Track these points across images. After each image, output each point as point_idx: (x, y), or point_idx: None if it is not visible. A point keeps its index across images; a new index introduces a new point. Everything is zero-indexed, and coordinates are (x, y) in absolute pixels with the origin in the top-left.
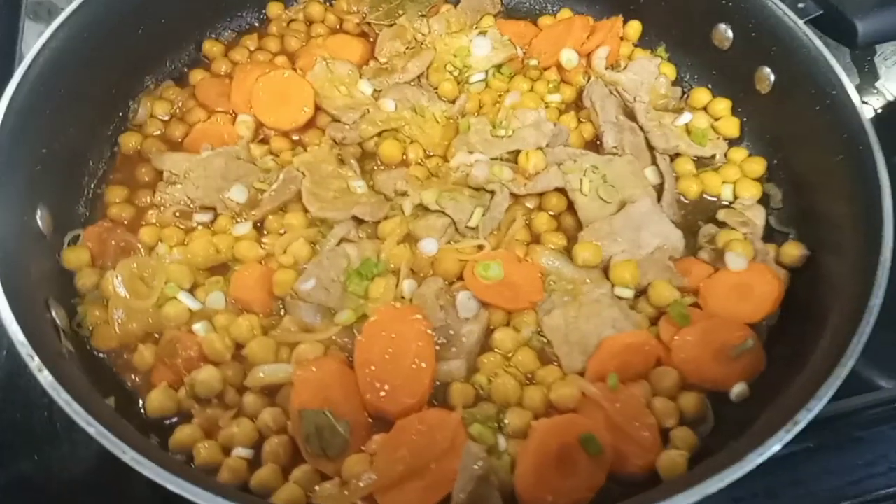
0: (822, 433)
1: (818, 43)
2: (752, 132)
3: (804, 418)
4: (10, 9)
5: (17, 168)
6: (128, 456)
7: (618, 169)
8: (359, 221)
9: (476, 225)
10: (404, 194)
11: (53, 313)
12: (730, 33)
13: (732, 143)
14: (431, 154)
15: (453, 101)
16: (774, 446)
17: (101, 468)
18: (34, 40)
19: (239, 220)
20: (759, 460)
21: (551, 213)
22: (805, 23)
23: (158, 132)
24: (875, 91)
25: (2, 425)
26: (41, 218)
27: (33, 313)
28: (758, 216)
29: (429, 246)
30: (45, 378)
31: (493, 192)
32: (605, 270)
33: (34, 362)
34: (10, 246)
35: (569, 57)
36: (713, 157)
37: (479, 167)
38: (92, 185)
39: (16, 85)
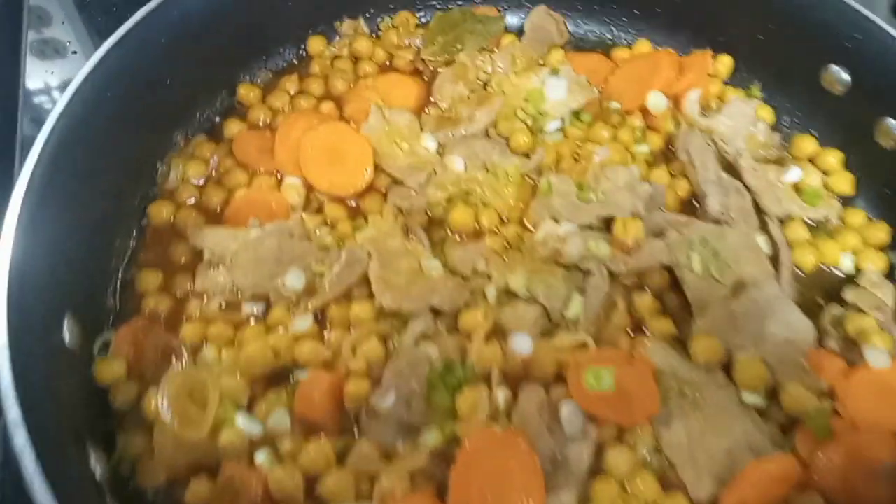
0: None
1: None
2: (870, 190)
3: None
4: (10, 47)
5: (40, 268)
6: None
7: (731, 242)
8: (437, 311)
9: (575, 317)
10: (486, 276)
11: (93, 461)
12: (845, 77)
13: (846, 201)
14: (507, 220)
15: (528, 155)
16: None
17: None
18: (40, 79)
19: (296, 310)
20: None
21: (653, 291)
22: None
23: (193, 200)
24: None
25: None
26: (68, 330)
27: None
28: (888, 295)
29: (522, 344)
30: None
31: (588, 272)
32: (726, 367)
33: None
34: (39, 378)
35: (656, 101)
36: (826, 219)
37: (572, 243)
38: (120, 270)
39: (30, 171)
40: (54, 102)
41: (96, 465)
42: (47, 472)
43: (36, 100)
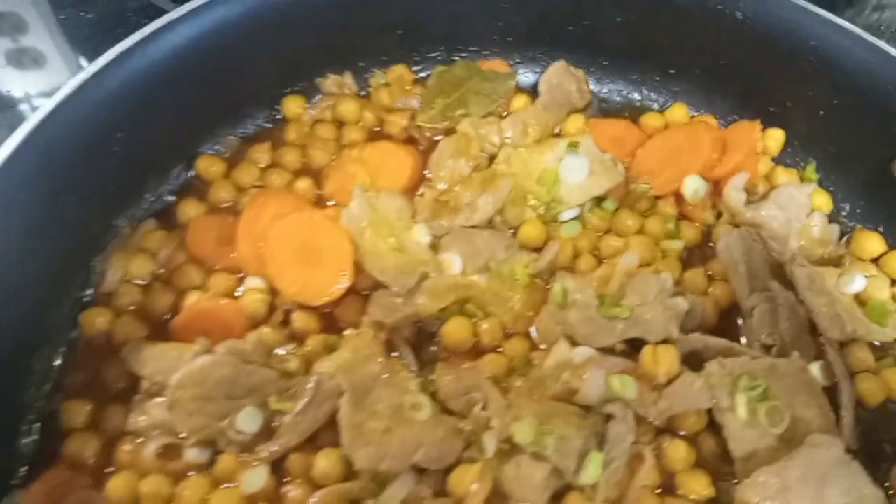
0: None
1: None
2: None
3: None
4: None
5: None
6: None
7: (784, 379)
8: (421, 470)
9: (592, 483)
10: (485, 421)
11: None
12: None
13: None
14: (512, 332)
15: (538, 251)
16: None
17: None
18: (21, 89)
19: (250, 459)
20: None
21: (686, 435)
22: None
23: (135, 306)
24: None
25: None
26: None
27: None
28: None
29: None
30: None
31: (610, 416)
32: None
33: None
34: None
35: (695, 187)
36: (894, 340)
37: (592, 383)
38: (40, 401)
39: None
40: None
41: None
42: None
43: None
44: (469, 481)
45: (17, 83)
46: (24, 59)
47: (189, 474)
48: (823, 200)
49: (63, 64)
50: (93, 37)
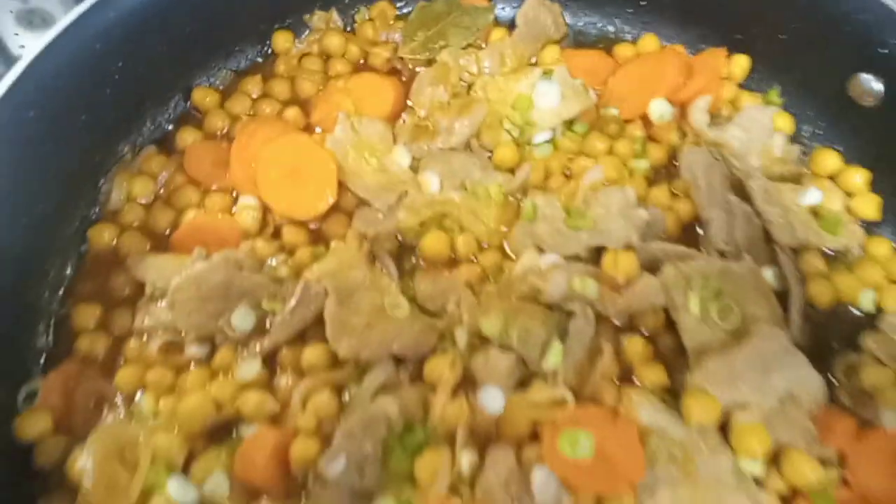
0: None
1: None
2: None
3: None
4: None
5: None
6: None
7: (735, 280)
8: (399, 359)
9: (554, 369)
10: (458, 317)
11: None
12: (877, 87)
13: (870, 228)
14: (487, 245)
15: (512, 171)
16: None
17: None
18: (30, 48)
19: (244, 353)
20: None
21: (645, 333)
22: None
23: (138, 222)
24: None
25: None
26: None
27: None
28: None
29: (493, 401)
30: None
31: (571, 313)
32: (723, 428)
33: None
34: None
35: (661, 111)
36: (846, 249)
37: (555, 282)
38: (54, 304)
39: None
40: None
41: None
42: None
43: None
44: (442, 369)
45: (27, 42)
46: (33, 19)
47: (190, 368)
48: (785, 122)
49: None
50: None
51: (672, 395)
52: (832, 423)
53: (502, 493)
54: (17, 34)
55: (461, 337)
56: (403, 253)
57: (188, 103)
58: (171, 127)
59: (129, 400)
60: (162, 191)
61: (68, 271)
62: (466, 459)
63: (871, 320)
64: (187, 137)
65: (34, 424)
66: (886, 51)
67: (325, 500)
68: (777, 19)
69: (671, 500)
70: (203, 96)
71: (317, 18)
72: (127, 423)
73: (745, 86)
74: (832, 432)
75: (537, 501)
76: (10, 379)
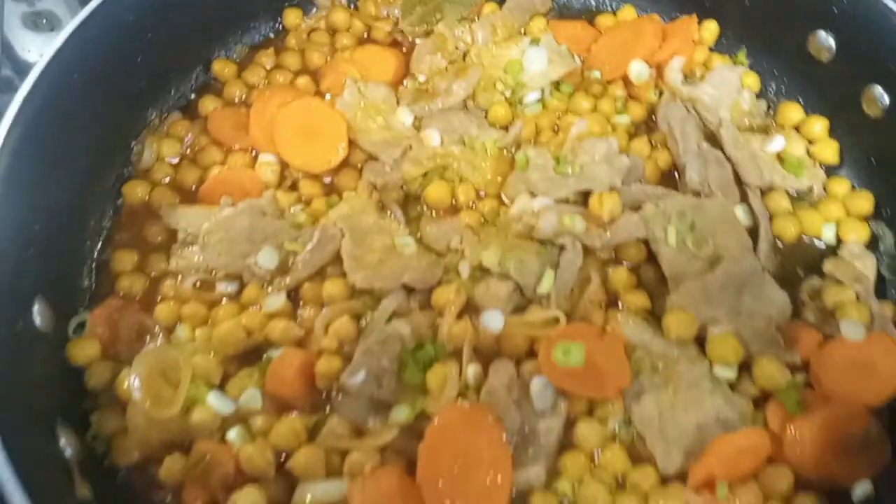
0: None
1: None
2: (854, 159)
3: None
4: None
5: (9, 254)
6: None
7: (708, 214)
8: (409, 289)
9: (547, 292)
10: (460, 253)
11: (62, 443)
12: (831, 43)
13: (830, 171)
14: (484, 194)
15: (506, 128)
16: None
17: None
18: (37, 52)
19: (270, 289)
20: None
21: (629, 264)
22: None
23: (168, 179)
24: None
25: None
26: (39, 313)
27: (40, 464)
28: (869, 266)
29: (493, 321)
30: None
31: (562, 247)
32: (701, 342)
33: None
34: (6, 363)
35: (638, 70)
36: (810, 189)
37: (546, 219)
38: (96, 251)
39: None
40: None
41: (66, 446)
42: (11, 451)
43: None
44: (448, 296)
45: (34, 45)
46: (39, 22)
47: (221, 303)
48: (752, 80)
49: None
50: None
51: (654, 317)
52: (798, 336)
53: (504, 396)
54: (23, 37)
55: (464, 269)
56: (409, 202)
57: (209, 74)
58: (193, 95)
59: (168, 331)
60: (188, 151)
61: (106, 223)
62: (472, 371)
63: (832, 250)
64: (209, 105)
65: (84, 351)
66: (837, 10)
67: (347, 408)
68: None
69: (655, 404)
70: (222, 67)
71: None
72: (167, 348)
73: (714, 49)
74: (798, 343)
75: (535, 406)
76: (61, 313)
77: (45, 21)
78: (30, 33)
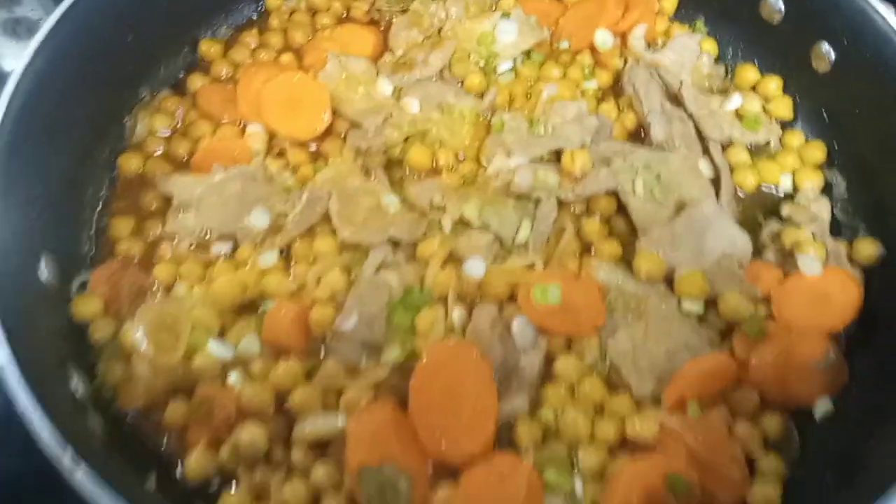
0: None
1: (889, 16)
2: (807, 113)
3: None
4: None
5: (12, 217)
6: None
7: (672, 166)
8: (395, 243)
9: (525, 241)
10: (442, 209)
11: (74, 382)
12: (781, 5)
13: (786, 125)
14: (463, 157)
15: (481, 96)
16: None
17: None
18: (14, 59)
19: (262, 248)
20: None
21: (601, 216)
22: None
23: (160, 151)
24: None
25: None
26: (45, 268)
27: (54, 395)
28: (823, 209)
29: (475, 269)
30: (82, 479)
31: (538, 201)
32: (669, 282)
33: (67, 463)
34: (19, 311)
35: (603, 38)
36: (767, 143)
37: (521, 174)
38: (94, 218)
39: (2, 114)
40: None
41: (78, 387)
42: (33, 388)
43: None
44: (432, 248)
45: (12, 52)
46: (18, 29)
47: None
48: (710, 45)
49: None
50: None
51: (625, 263)
52: (759, 273)
53: (488, 334)
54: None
55: (446, 223)
56: (392, 166)
57: (196, 54)
58: (182, 74)
59: (167, 289)
60: (179, 125)
61: (103, 192)
62: (457, 314)
63: (789, 197)
64: (197, 82)
65: (87, 307)
66: None
67: (341, 351)
68: None
69: (628, 338)
70: (208, 47)
71: None
72: (168, 302)
73: (674, 19)
74: (760, 280)
75: (517, 343)
76: (64, 272)
77: (25, 29)
78: (8, 40)
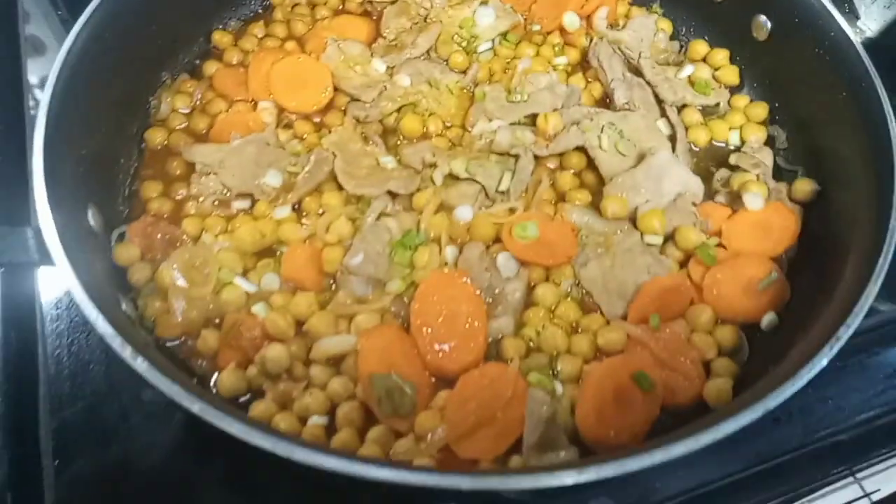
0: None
1: None
2: (752, 78)
3: (844, 334)
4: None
5: (65, 170)
6: (235, 428)
7: (633, 124)
8: (393, 195)
9: (506, 189)
10: (433, 166)
11: (124, 307)
12: None
13: (734, 90)
14: (450, 125)
15: (464, 72)
16: (822, 361)
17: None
18: (36, 75)
19: (277, 204)
20: (810, 376)
21: (573, 171)
22: None
23: (182, 126)
24: (857, 30)
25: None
26: (92, 216)
27: (112, 307)
28: (766, 157)
29: (464, 213)
30: (141, 365)
31: (517, 156)
32: (633, 221)
33: (127, 352)
34: (76, 245)
35: (571, 20)
36: (717, 105)
37: (501, 133)
38: (127, 183)
39: (51, 90)
40: (36, 101)
41: (129, 311)
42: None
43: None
44: (426, 198)
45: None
46: (26, 48)
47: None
48: (665, 24)
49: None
50: None
51: (594, 209)
52: (711, 212)
53: (477, 264)
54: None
55: (438, 177)
56: (387, 134)
57: (210, 44)
58: (198, 61)
59: (195, 239)
60: (197, 103)
61: (134, 162)
62: (450, 252)
63: (737, 149)
64: (211, 67)
65: (125, 253)
66: None
67: (350, 284)
68: None
69: (598, 268)
70: (221, 37)
71: None
72: (196, 247)
73: (634, 3)
74: (711, 217)
75: (502, 273)
76: (106, 223)
77: (31, 47)
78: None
